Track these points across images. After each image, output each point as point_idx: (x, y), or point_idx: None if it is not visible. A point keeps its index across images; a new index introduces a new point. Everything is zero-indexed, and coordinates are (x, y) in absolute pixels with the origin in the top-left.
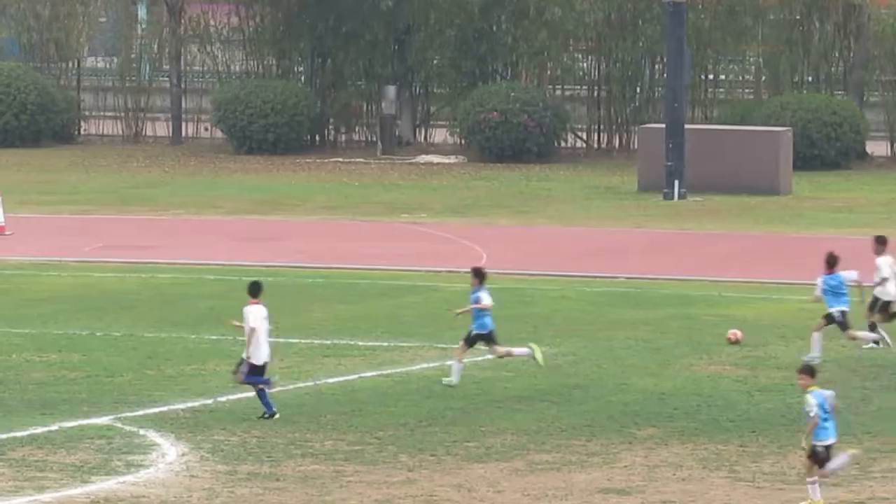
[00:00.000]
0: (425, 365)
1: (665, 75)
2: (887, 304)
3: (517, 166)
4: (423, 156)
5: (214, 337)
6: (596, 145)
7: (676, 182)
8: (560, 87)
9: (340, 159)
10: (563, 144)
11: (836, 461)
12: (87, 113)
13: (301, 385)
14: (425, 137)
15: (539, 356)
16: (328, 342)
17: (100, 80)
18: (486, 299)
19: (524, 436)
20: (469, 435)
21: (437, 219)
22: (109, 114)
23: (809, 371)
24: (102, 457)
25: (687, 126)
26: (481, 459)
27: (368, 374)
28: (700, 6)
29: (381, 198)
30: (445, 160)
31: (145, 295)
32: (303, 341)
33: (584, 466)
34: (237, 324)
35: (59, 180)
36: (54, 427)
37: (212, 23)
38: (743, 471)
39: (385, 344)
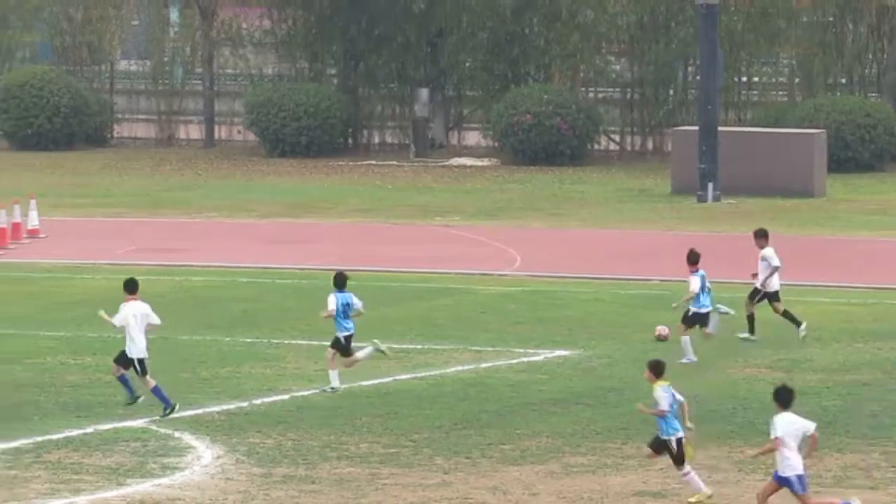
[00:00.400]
0: (460, 367)
1: (698, 77)
2: (775, 294)
3: (550, 169)
4: (456, 158)
5: (249, 340)
6: (629, 148)
7: (710, 184)
8: (593, 89)
9: (373, 162)
10: (595, 147)
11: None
12: (119, 116)
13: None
14: (458, 140)
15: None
16: (362, 345)
17: (132, 84)
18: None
19: (559, 438)
20: (504, 437)
21: (469, 221)
22: (142, 117)
23: (656, 367)
24: (138, 459)
25: (720, 128)
26: (516, 462)
27: (403, 376)
28: (733, 8)
29: (414, 200)
30: (478, 163)
31: (179, 298)
32: None
33: (620, 469)
34: (105, 317)
35: (92, 183)
36: (90, 430)
37: (244, 26)
38: None
39: (419, 346)
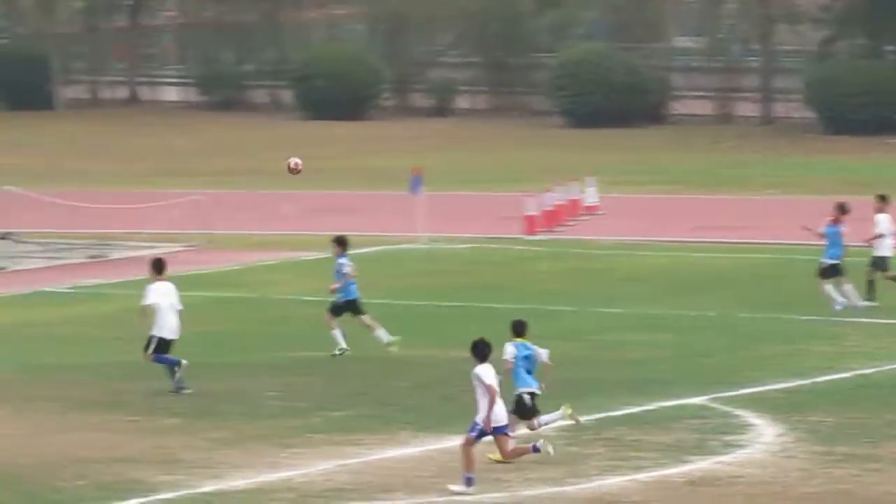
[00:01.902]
0: None
1: None
2: None
3: None
4: None
5: (807, 318)
6: None
7: None
8: None
9: None
10: None
11: None
12: (677, 93)
13: None
14: None
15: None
16: None
17: (689, 60)
18: (347, 267)
19: None
20: None
21: None
22: (699, 93)
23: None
24: (698, 436)
25: None
26: None
27: None
28: None
29: None
30: None
31: (739, 275)
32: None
33: None
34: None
35: (649, 160)
36: (650, 406)
37: (801, 1)
38: None
39: None
